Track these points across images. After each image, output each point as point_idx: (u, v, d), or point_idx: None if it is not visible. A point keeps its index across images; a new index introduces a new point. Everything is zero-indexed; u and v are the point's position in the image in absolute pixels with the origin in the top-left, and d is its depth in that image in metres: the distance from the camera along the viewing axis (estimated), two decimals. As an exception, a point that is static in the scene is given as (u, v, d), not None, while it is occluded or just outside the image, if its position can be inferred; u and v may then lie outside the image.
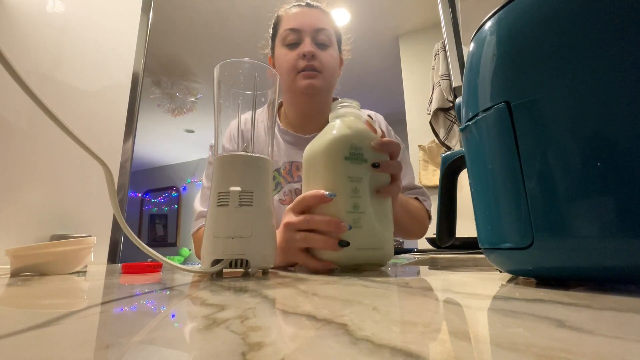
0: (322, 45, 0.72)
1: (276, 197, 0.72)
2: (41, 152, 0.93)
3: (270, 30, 0.79)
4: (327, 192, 0.40)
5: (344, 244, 0.39)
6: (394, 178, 0.44)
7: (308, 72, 0.69)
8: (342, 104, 0.46)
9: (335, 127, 0.43)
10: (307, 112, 0.77)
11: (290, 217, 0.43)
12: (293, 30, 0.71)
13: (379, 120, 0.81)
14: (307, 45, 0.69)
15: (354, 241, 0.39)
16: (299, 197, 0.43)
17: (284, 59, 0.72)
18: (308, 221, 0.41)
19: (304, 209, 0.42)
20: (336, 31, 0.78)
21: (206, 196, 0.74)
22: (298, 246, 0.42)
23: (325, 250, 0.40)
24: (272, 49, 0.78)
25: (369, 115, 0.45)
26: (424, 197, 0.81)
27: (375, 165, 0.42)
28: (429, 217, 0.80)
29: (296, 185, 0.73)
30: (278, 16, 0.77)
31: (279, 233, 0.47)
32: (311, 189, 0.42)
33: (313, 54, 0.69)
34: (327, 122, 0.48)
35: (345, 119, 0.45)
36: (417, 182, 0.85)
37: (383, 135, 0.45)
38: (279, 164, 0.75)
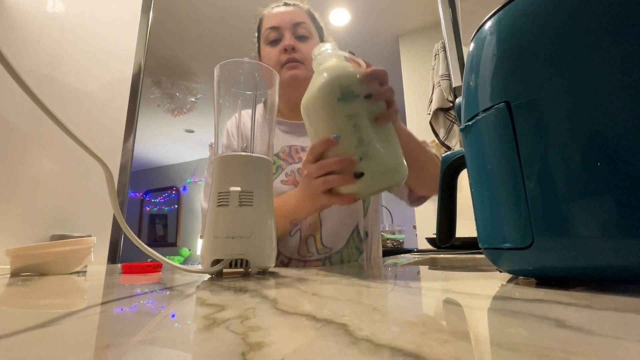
0: (303, 38, 0.76)
1: (278, 180, 0.73)
2: (41, 152, 0.93)
3: (255, 33, 0.83)
4: (332, 136, 0.42)
5: (358, 175, 0.42)
6: (389, 103, 0.45)
7: (291, 64, 0.72)
8: (319, 51, 0.47)
9: (321, 74, 0.44)
10: (297, 102, 0.77)
11: (307, 166, 0.46)
12: (273, 28, 0.75)
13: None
14: (287, 40, 0.73)
15: (367, 170, 0.42)
16: (309, 148, 0.45)
17: (269, 56, 0.76)
18: (322, 166, 0.44)
19: (317, 157, 0.45)
20: (316, 24, 0.81)
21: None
22: (320, 190, 0.45)
23: (346, 186, 0.43)
24: (258, 50, 0.82)
25: (349, 52, 0.46)
26: (429, 147, 0.79)
27: (368, 96, 0.43)
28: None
29: (298, 165, 0.75)
30: (260, 19, 0.81)
31: (300, 188, 0.53)
32: (317, 138, 0.44)
33: (293, 46, 0.73)
34: None
35: (327, 63, 0.45)
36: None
37: (368, 66, 0.46)
38: (277, 149, 0.77)
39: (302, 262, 0.69)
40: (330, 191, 0.46)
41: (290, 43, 0.73)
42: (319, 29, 0.82)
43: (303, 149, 0.77)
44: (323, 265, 0.68)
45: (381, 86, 0.45)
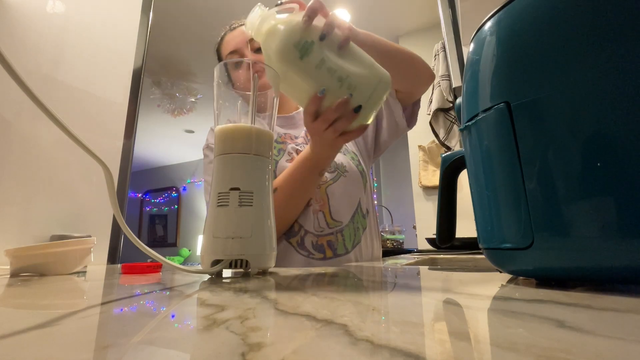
0: (260, 50, 0.79)
1: (283, 159, 0.76)
2: (42, 153, 0.93)
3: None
4: (318, 92, 0.44)
5: (357, 109, 0.45)
6: (340, 26, 0.46)
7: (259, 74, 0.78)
8: (251, 21, 0.45)
9: (269, 45, 0.44)
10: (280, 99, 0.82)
11: (311, 127, 0.50)
12: (232, 52, 0.81)
13: None
14: (248, 56, 0.80)
15: (360, 99, 0.45)
16: (304, 110, 0.49)
17: (239, 77, 0.81)
18: (324, 120, 0.47)
19: (313, 115, 0.48)
20: None
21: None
22: (333, 137, 0.50)
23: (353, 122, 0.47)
24: (229, 77, 0.86)
25: (277, 4, 0.48)
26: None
27: (322, 37, 0.44)
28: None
29: (297, 147, 0.80)
30: (217, 50, 0.86)
31: (312, 144, 0.57)
32: (302, 99, 0.46)
33: (255, 61, 0.77)
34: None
35: (266, 28, 0.44)
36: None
37: (302, 6, 0.47)
38: (275, 136, 0.82)
39: (317, 236, 0.71)
40: (341, 134, 0.50)
41: (252, 58, 0.78)
42: None
43: (296, 136, 0.82)
44: (335, 238, 0.71)
45: (324, 17, 0.45)
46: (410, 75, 0.72)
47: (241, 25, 0.84)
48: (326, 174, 0.74)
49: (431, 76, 0.75)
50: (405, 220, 3.20)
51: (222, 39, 0.85)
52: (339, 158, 0.78)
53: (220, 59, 0.86)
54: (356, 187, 0.77)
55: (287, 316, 0.18)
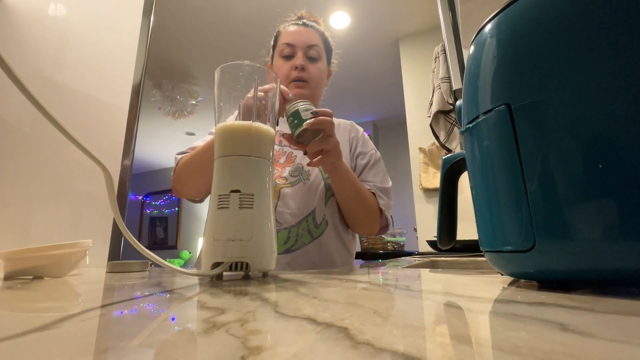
0: (312, 60, 0.84)
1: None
2: (42, 155, 0.93)
3: (272, 42, 0.91)
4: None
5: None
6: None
7: (298, 83, 0.82)
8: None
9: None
10: None
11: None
12: (289, 45, 0.83)
13: (357, 130, 0.94)
14: (299, 59, 0.81)
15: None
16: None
17: (280, 68, 0.84)
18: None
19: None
20: (327, 46, 0.90)
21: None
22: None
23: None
24: (272, 57, 0.91)
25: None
26: (383, 195, 0.82)
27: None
28: (382, 215, 0.81)
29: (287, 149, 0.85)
30: (278, 31, 0.89)
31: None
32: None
33: (303, 66, 0.82)
34: None
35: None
36: (387, 185, 0.85)
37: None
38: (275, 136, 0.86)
39: None
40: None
41: (301, 63, 0.81)
42: (329, 50, 0.91)
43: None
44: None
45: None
46: (362, 222, 0.81)
47: (311, 25, 0.86)
48: (288, 176, 0.78)
49: (383, 228, 0.84)
50: (406, 223, 3.19)
51: (281, 30, 0.87)
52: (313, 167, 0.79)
53: (275, 44, 0.88)
54: (312, 197, 0.77)
55: (288, 319, 0.18)
